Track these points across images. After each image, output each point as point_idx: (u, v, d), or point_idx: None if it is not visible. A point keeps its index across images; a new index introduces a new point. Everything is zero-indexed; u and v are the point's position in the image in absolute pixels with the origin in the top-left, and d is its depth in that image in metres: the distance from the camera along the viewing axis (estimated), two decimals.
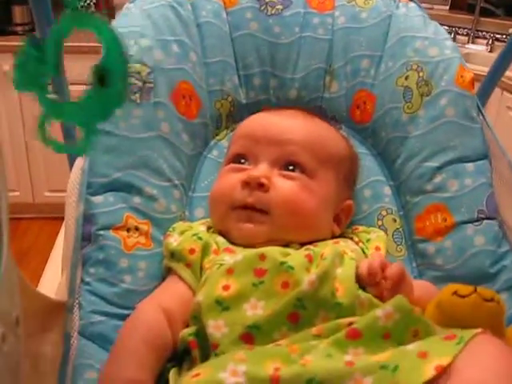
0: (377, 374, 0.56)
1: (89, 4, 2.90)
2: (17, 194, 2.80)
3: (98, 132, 0.52)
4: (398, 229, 0.96)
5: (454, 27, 3.05)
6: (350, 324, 0.65)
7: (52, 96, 0.52)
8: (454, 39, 3.03)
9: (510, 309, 0.83)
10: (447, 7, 3.13)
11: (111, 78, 0.49)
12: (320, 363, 0.58)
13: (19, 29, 2.74)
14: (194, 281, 0.78)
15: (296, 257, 0.75)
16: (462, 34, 3.04)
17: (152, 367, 0.68)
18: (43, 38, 0.69)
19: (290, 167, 0.85)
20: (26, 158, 2.80)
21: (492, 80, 1.05)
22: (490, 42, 2.90)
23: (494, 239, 0.88)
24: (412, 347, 0.59)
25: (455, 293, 0.69)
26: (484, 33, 2.96)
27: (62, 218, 0.88)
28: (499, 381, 0.53)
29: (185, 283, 0.79)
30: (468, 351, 0.56)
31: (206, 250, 0.80)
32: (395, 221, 0.96)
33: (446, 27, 3.05)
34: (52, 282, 0.84)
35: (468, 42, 3.01)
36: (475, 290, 0.69)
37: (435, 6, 3.13)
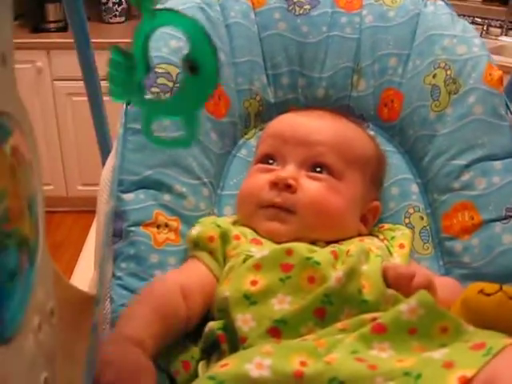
0: (399, 379, 0.57)
1: (120, 1, 2.95)
2: (51, 187, 2.85)
3: (199, 119, 0.54)
4: (425, 227, 0.96)
5: (487, 19, 3.00)
6: (375, 319, 0.65)
7: (149, 96, 0.53)
8: (487, 31, 3.00)
9: None
10: None
11: (202, 66, 0.51)
12: (344, 364, 0.59)
13: (52, 26, 2.79)
14: (216, 267, 0.80)
15: (322, 253, 0.76)
16: (496, 26, 2.99)
17: (156, 332, 0.68)
18: (77, 36, 0.71)
19: (318, 169, 0.86)
20: (59, 153, 2.86)
21: None
22: None
23: None
24: (439, 355, 0.59)
25: (481, 291, 0.70)
26: None
27: (95, 212, 0.90)
28: None
29: (207, 267, 0.80)
30: (495, 364, 0.54)
31: (225, 236, 0.82)
32: (422, 219, 0.96)
33: (479, 19, 3.02)
34: (84, 276, 0.86)
35: (501, 34, 2.95)
36: (501, 289, 0.69)
37: None
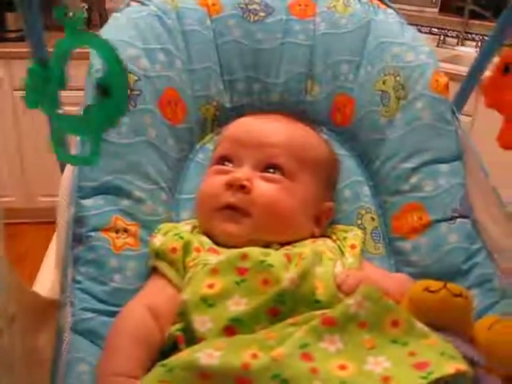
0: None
1: (82, 9, 2.95)
2: (12, 199, 2.85)
3: (102, 141, 0.56)
4: (376, 227, 1.00)
5: (444, 29, 3.11)
6: (324, 314, 0.69)
7: (61, 111, 0.55)
8: (444, 41, 3.11)
9: (482, 303, 0.87)
10: (437, 10, 3.19)
11: (113, 90, 0.53)
12: (289, 362, 0.62)
13: (13, 35, 2.76)
14: (178, 278, 0.82)
15: (275, 256, 0.79)
16: (452, 37, 3.10)
17: (140, 361, 0.72)
18: (39, 57, 0.73)
19: (271, 170, 0.89)
20: (20, 164, 2.84)
21: (469, 82, 1.08)
22: (479, 44, 2.94)
23: (466, 237, 0.92)
24: (379, 370, 0.63)
25: (426, 288, 0.73)
26: (473, 35, 3.01)
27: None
28: None
29: (169, 281, 0.83)
30: None
31: (187, 248, 0.84)
32: (373, 219, 1.00)
33: (436, 29, 3.12)
34: (46, 282, 0.87)
35: (458, 44, 3.07)
36: (445, 286, 0.73)
37: (425, 9, 3.19)
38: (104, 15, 3.12)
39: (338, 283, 0.77)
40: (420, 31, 3.16)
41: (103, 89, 0.53)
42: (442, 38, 3.11)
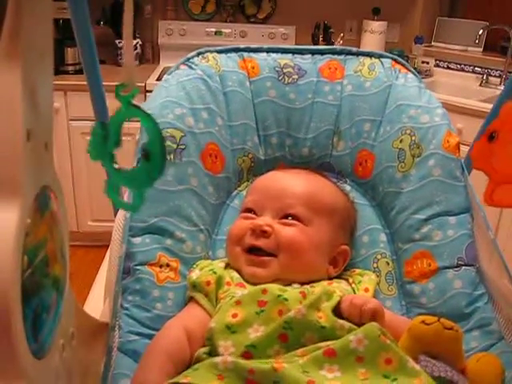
0: None
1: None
2: None
3: (144, 195, 0.69)
4: (390, 271, 1.10)
5: (487, 69, 3.16)
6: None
7: (116, 166, 0.68)
8: (487, 80, 3.15)
9: (481, 345, 0.97)
10: (481, 49, 3.24)
11: (153, 155, 0.66)
12: (288, 373, 0.74)
13: (70, 68, 2.96)
14: (211, 307, 0.95)
15: (291, 292, 0.92)
16: (495, 76, 3.15)
17: (169, 375, 0.83)
18: (103, 119, 0.86)
19: (289, 218, 1.02)
20: (71, 190, 3.00)
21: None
22: None
23: (470, 283, 1.02)
24: None
25: (423, 321, 0.85)
26: None
27: (104, 246, 1.05)
28: None
29: (203, 309, 0.96)
30: None
31: (219, 282, 0.97)
32: (388, 264, 1.11)
33: (479, 69, 3.17)
34: (95, 307, 1.02)
35: (500, 84, 3.09)
36: (438, 320, 0.84)
37: (469, 48, 3.24)
38: (156, 50, 3.35)
39: (341, 301, 0.89)
40: (463, 70, 3.24)
41: (146, 154, 0.64)
42: (485, 77, 3.16)
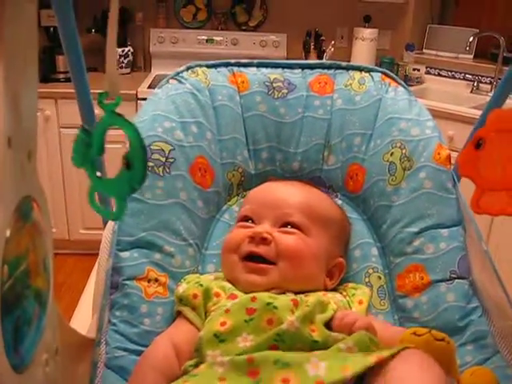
0: (331, 360, 0.75)
1: (127, 54, 3.19)
2: (54, 230, 2.96)
3: (126, 203, 0.68)
4: (382, 285, 1.09)
5: (478, 76, 3.18)
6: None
7: (98, 173, 0.68)
8: (478, 87, 3.18)
9: (475, 359, 0.95)
10: (471, 56, 3.26)
11: (135, 164, 0.66)
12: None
13: (61, 76, 2.98)
14: (199, 321, 0.94)
15: (281, 300, 0.90)
16: (486, 83, 3.17)
17: None
18: (90, 126, 0.87)
19: (288, 226, 1.01)
20: (63, 198, 3.01)
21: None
22: None
23: (463, 296, 1.00)
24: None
25: (414, 333, 0.84)
26: None
27: (96, 254, 1.04)
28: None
29: (191, 323, 0.94)
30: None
31: (207, 294, 0.96)
32: (380, 278, 1.10)
33: (470, 76, 3.19)
34: (83, 319, 1.00)
35: (491, 91, 3.09)
36: (429, 331, 0.83)
37: (460, 55, 3.27)
38: (148, 58, 3.38)
39: (334, 318, 0.89)
40: (454, 77, 3.26)
41: (127, 162, 0.64)
42: (475, 84, 3.18)
